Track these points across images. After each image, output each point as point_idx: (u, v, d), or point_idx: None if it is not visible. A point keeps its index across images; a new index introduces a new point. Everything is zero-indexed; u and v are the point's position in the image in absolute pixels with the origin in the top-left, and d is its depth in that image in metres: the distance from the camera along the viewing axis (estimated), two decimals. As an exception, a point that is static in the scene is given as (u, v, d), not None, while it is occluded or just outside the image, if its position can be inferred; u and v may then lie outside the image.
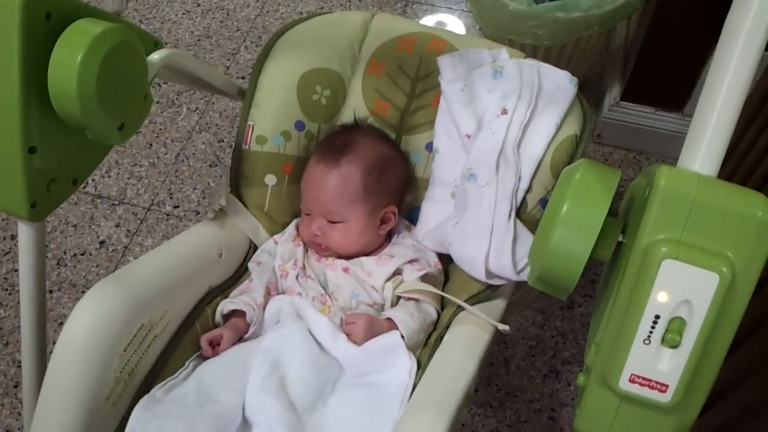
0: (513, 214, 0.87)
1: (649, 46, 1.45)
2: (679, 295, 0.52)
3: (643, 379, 0.54)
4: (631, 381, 0.55)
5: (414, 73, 1.00)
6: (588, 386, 0.58)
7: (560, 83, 0.90)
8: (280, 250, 0.97)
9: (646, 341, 0.53)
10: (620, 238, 0.59)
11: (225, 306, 0.90)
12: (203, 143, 1.69)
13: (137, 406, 0.77)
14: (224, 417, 0.77)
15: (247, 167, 0.98)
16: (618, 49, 1.68)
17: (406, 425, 0.73)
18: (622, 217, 0.62)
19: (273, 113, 0.97)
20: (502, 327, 0.83)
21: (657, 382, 0.54)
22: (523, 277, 0.85)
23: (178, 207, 1.58)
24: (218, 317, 0.91)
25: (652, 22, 1.42)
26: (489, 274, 0.86)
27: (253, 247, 1.00)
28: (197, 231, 0.92)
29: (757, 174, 1.06)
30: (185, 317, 0.88)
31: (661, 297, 0.52)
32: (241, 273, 0.98)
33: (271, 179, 0.99)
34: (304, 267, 0.96)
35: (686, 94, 1.51)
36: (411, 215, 1.04)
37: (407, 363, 0.84)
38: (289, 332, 0.85)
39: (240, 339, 0.89)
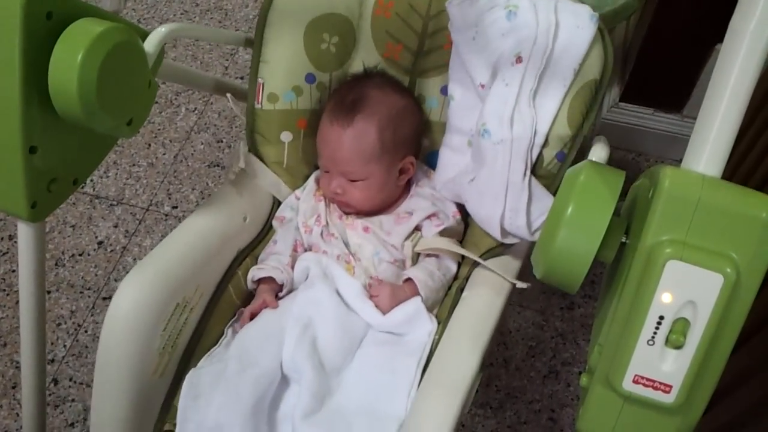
0: (528, 172, 0.85)
1: (649, 47, 1.45)
2: (684, 296, 0.52)
3: (647, 379, 0.54)
4: (635, 382, 0.54)
5: (425, 10, 0.95)
6: (591, 387, 0.58)
7: (580, 20, 0.82)
8: (302, 206, 0.99)
9: (650, 342, 0.53)
10: (623, 239, 0.59)
11: (255, 274, 0.92)
12: (202, 143, 1.68)
13: (185, 382, 0.82)
14: (265, 378, 0.81)
15: (262, 126, 0.97)
16: (617, 50, 1.68)
17: (422, 405, 0.76)
18: (625, 217, 0.62)
19: (282, 69, 0.95)
20: (520, 284, 0.85)
21: (661, 383, 0.54)
22: (537, 236, 0.83)
23: (176, 207, 1.57)
24: (250, 284, 0.93)
25: (652, 24, 1.42)
26: (504, 233, 0.87)
27: (276, 203, 1.01)
28: (220, 200, 0.93)
29: (757, 175, 1.06)
30: (218, 284, 0.91)
31: (665, 298, 0.52)
32: (267, 230, 1.00)
33: (286, 136, 0.98)
34: (327, 224, 0.97)
35: (685, 95, 1.51)
36: (429, 159, 1.03)
37: (428, 326, 0.87)
38: (318, 293, 0.89)
39: (275, 297, 0.93)
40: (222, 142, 1.69)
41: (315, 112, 0.99)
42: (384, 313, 0.88)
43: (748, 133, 1.13)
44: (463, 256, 0.95)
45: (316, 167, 1.02)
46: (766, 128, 1.07)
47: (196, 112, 1.74)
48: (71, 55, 0.64)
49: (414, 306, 0.88)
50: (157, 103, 1.75)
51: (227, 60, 1.84)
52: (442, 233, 0.95)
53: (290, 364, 0.83)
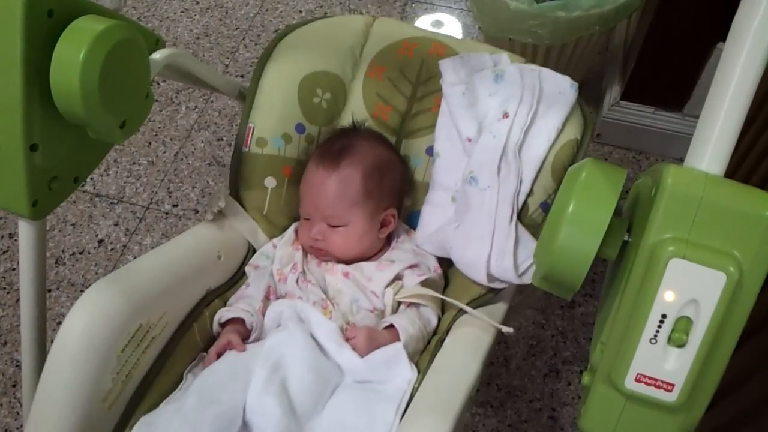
0: (515, 217, 0.87)
1: (649, 45, 1.45)
2: (686, 294, 0.52)
3: (649, 378, 0.54)
4: (637, 380, 0.54)
5: (415, 77, 1.00)
6: (593, 385, 0.58)
7: (561, 87, 0.91)
8: (278, 254, 0.97)
9: (653, 340, 0.53)
10: (625, 237, 0.59)
11: (223, 315, 0.89)
12: (202, 142, 1.68)
13: (138, 423, 0.77)
14: (225, 417, 0.76)
15: (247, 169, 0.97)
16: (618, 49, 1.68)
17: (410, 428, 0.73)
18: (627, 215, 0.62)
19: (274, 115, 0.97)
20: (506, 329, 0.84)
21: (663, 382, 0.54)
22: (525, 280, 0.85)
23: (176, 206, 1.57)
24: (216, 326, 0.89)
25: (653, 22, 1.42)
26: (490, 277, 0.86)
27: (251, 250, 1.00)
28: (196, 233, 0.92)
29: (758, 174, 1.06)
30: (183, 319, 0.87)
31: (668, 296, 0.52)
32: (239, 276, 0.97)
33: (270, 182, 0.99)
34: (304, 271, 0.95)
35: (686, 93, 1.51)
36: (410, 220, 1.04)
37: (408, 373, 0.83)
38: (291, 335, 0.85)
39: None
40: (222, 140, 1.69)
41: (301, 162, 1.00)
42: (361, 356, 0.84)
43: (749, 131, 1.13)
44: (443, 311, 0.93)
45: (296, 220, 1.02)
46: (766, 128, 1.07)
47: (197, 110, 1.74)
48: (73, 53, 0.64)
49: (394, 350, 0.84)
50: (157, 101, 1.75)
51: (227, 58, 1.84)
52: (424, 284, 0.92)
53: (256, 407, 0.77)
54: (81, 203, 1.57)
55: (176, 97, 1.76)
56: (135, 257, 1.47)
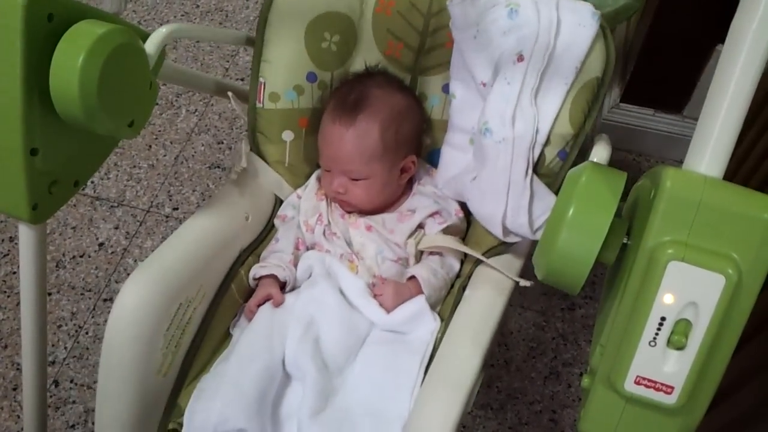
0: (530, 171, 0.85)
1: (649, 48, 1.46)
2: (685, 296, 0.52)
3: (649, 380, 0.54)
4: (637, 383, 0.54)
5: (426, 8, 0.95)
6: (593, 388, 0.58)
7: (581, 19, 0.81)
8: (303, 206, 0.99)
9: (652, 343, 0.53)
10: (625, 240, 0.59)
11: (257, 272, 0.92)
12: (202, 145, 1.68)
13: (195, 390, 0.83)
14: (267, 373, 0.81)
15: (263, 125, 0.97)
16: (618, 51, 1.68)
17: (447, 350, 0.79)
18: (627, 218, 0.62)
19: (283, 68, 0.95)
20: (524, 282, 0.85)
21: (663, 384, 0.54)
22: (539, 235, 0.83)
23: (177, 209, 1.57)
24: (252, 282, 0.93)
25: (652, 24, 1.42)
26: (506, 231, 0.87)
27: (278, 202, 1.01)
28: (222, 199, 0.93)
29: (758, 176, 1.06)
30: (220, 283, 0.90)
31: (667, 299, 0.52)
32: (269, 229, 1.00)
33: (288, 135, 0.98)
34: (329, 223, 0.97)
35: (686, 96, 1.51)
36: (431, 157, 1.03)
37: (431, 325, 0.87)
38: (321, 292, 0.89)
39: None
40: (222, 143, 1.69)
41: (316, 111, 0.99)
42: (388, 311, 0.88)
43: (749, 133, 1.13)
44: (465, 254, 0.95)
45: (318, 166, 1.02)
46: (766, 131, 1.07)
47: (197, 113, 1.74)
48: (72, 57, 0.64)
49: (417, 304, 0.88)
50: (157, 104, 1.75)
51: (227, 61, 1.84)
52: (445, 231, 0.95)
53: (293, 362, 0.83)
54: (81, 206, 1.57)
55: (176, 100, 1.77)
56: (135, 261, 1.48)
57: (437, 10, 0.94)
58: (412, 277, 0.91)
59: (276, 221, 1.00)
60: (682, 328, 0.52)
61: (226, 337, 0.91)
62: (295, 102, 0.97)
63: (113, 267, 1.48)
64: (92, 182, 1.61)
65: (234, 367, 0.82)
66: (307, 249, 0.97)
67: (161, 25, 2.00)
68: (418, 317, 0.88)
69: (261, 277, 0.93)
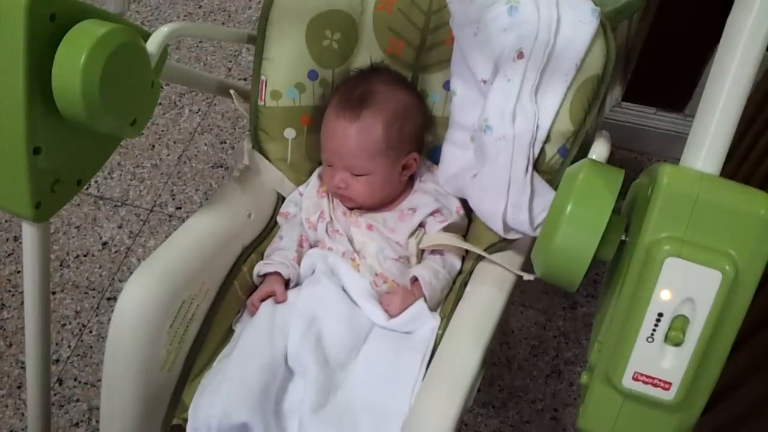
0: (530, 168, 0.85)
1: (651, 46, 1.45)
2: (682, 293, 0.52)
3: (647, 377, 0.54)
4: (635, 379, 0.55)
5: (426, 6, 0.95)
6: (591, 384, 0.58)
7: (581, 16, 0.81)
8: (305, 203, 0.99)
9: (650, 339, 0.53)
10: (623, 237, 0.59)
11: (261, 269, 0.93)
12: (205, 145, 1.69)
13: (199, 386, 0.84)
14: (269, 368, 0.82)
15: (265, 123, 0.98)
16: (619, 50, 1.68)
17: (448, 348, 0.79)
18: (625, 215, 0.62)
19: (284, 66, 0.95)
20: (527, 276, 0.85)
21: (660, 380, 0.54)
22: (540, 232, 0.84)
23: (180, 208, 1.58)
24: (256, 279, 0.94)
25: (654, 23, 1.42)
26: (506, 228, 0.87)
27: (281, 199, 1.02)
28: (224, 197, 0.94)
29: (758, 175, 1.06)
30: (223, 280, 0.91)
31: (664, 295, 0.52)
32: (272, 226, 1.00)
33: (290, 132, 0.99)
34: (331, 219, 0.98)
35: (687, 94, 1.51)
36: (432, 154, 1.04)
37: (431, 322, 0.88)
38: (324, 290, 0.90)
39: None
40: (225, 143, 1.69)
41: (318, 108, 0.99)
42: (393, 315, 0.89)
43: (748, 134, 1.13)
44: (467, 251, 0.95)
45: (320, 163, 1.03)
46: (766, 130, 1.07)
47: (200, 113, 1.75)
48: (75, 57, 0.64)
49: (417, 308, 0.89)
50: (160, 104, 1.76)
51: (230, 62, 1.85)
52: (446, 229, 0.95)
53: (295, 358, 0.84)
54: (85, 206, 1.58)
55: (179, 100, 1.77)
56: (139, 260, 1.48)
57: (438, 8, 0.95)
58: (415, 279, 0.92)
59: (279, 218, 1.00)
60: (680, 324, 0.52)
61: (229, 333, 0.92)
62: (297, 100, 0.98)
63: (117, 266, 1.49)
64: (96, 182, 1.62)
65: (237, 363, 0.83)
66: (311, 246, 0.98)
67: (164, 25, 2.00)
68: (417, 319, 0.89)
69: (265, 274, 0.93)
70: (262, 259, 0.96)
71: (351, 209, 0.99)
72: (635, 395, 0.55)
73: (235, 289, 0.92)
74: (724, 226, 0.51)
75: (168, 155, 1.67)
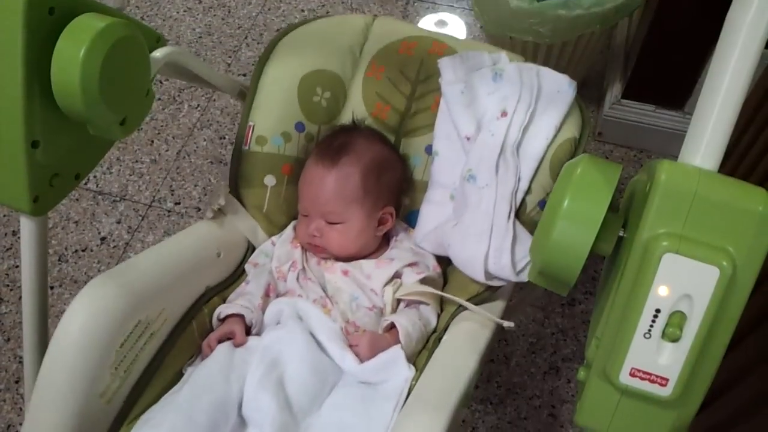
0: (512, 214, 0.87)
1: (650, 44, 1.45)
2: (680, 289, 0.52)
3: (644, 373, 0.54)
4: (632, 375, 0.55)
5: (414, 76, 1.01)
6: (588, 380, 0.58)
7: (560, 86, 0.91)
8: (277, 252, 0.98)
9: (647, 335, 0.53)
10: (621, 233, 0.59)
11: (223, 310, 0.89)
12: (204, 140, 1.69)
13: (138, 421, 0.78)
14: (221, 407, 0.76)
15: (247, 168, 0.98)
16: (619, 47, 1.68)
17: (405, 424, 0.73)
18: (623, 212, 0.62)
19: (273, 114, 0.98)
20: (506, 324, 0.84)
21: (657, 376, 0.54)
22: (523, 277, 0.85)
23: (179, 204, 1.58)
24: (215, 322, 0.90)
25: (654, 21, 1.42)
26: (488, 275, 0.87)
27: (251, 249, 1.00)
28: (196, 230, 0.93)
29: (757, 172, 1.06)
30: (182, 316, 0.87)
31: (661, 291, 0.52)
32: (239, 274, 0.98)
33: (270, 180, 0.99)
34: (304, 269, 0.95)
35: (687, 92, 1.51)
36: (409, 219, 1.04)
37: (405, 373, 0.83)
38: (290, 332, 0.85)
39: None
40: (224, 138, 1.69)
41: (300, 160, 1.00)
42: (362, 362, 0.84)
43: (748, 132, 1.13)
44: (441, 309, 0.94)
45: (295, 218, 1.02)
46: (766, 127, 1.07)
47: (199, 108, 1.75)
48: (74, 51, 0.64)
49: (393, 353, 0.84)
50: (159, 99, 1.76)
51: (230, 57, 1.84)
52: (423, 282, 0.93)
53: (252, 403, 0.77)
54: (84, 201, 1.58)
55: (179, 95, 1.77)
56: (137, 255, 1.48)
57: (425, 77, 1.00)
58: (392, 326, 0.88)
59: (247, 267, 0.97)
60: (677, 320, 0.53)
61: (179, 376, 0.85)
62: (282, 148, 0.99)
63: (115, 261, 1.49)
64: (95, 176, 1.62)
65: (185, 397, 0.77)
66: (277, 296, 0.94)
67: (164, 20, 2.00)
68: (391, 366, 0.83)
69: (225, 318, 0.89)
70: (224, 303, 0.92)
71: (326, 259, 0.97)
72: (632, 391, 0.55)
73: (192, 329, 0.88)
74: (722, 222, 0.51)
75: (167, 150, 1.67)
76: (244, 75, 1.79)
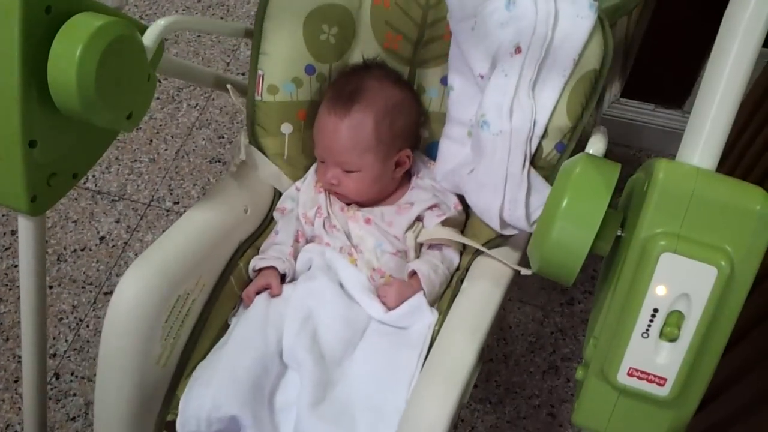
0: (527, 163, 0.85)
1: (650, 42, 1.45)
2: (678, 288, 0.52)
3: (642, 372, 0.54)
4: (630, 375, 0.55)
5: (425, 0, 0.95)
6: (586, 380, 0.58)
7: (579, 9, 0.81)
8: (302, 198, 0.99)
9: (645, 335, 0.53)
10: (619, 232, 0.59)
11: (257, 263, 0.93)
12: (203, 139, 1.69)
13: (191, 378, 0.84)
14: (262, 361, 0.82)
15: (262, 118, 0.97)
16: (618, 46, 1.68)
17: (443, 343, 0.79)
18: (622, 210, 0.62)
19: (281, 60, 0.95)
20: (525, 271, 0.85)
21: (655, 376, 0.54)
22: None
23: (178, 203, 1.58)
24: (251, 272, 0.94)
25: (653, 19, 1.42)
26: (503, 224, 0.87)
27: (277, 195, 1.01)
28: (221, 192, 0.94)
29: (756, 171, 1.06)
30: (219, 276, 0.91)
31: (659, 290, 0.52)
32: (268, 221, 1.00)
33: (287, 128, 0.98)
34: (329, 215, 0.97)
35: (686, 91, 1.51)
36: (430, 150, 1.04)
37: (428, 318, 0.88)
38: (320, 285, 0.89)
39: None
40: (223, 138, 1.69)
41: (315, 103, 0.99)
42: (390, 308, 0.89)
43: (746, 131, 1.12)
44: (464, 247, 0.95)
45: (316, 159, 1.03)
46: (764, 126, 1.07)
47: (198, 108, 1.75)
48: (70, 50, 0.64)
49: (416, 301, 0.89)
50: (158, 99, 1.75)
51: (229, 56, 1.84)
52: (444, 224, 0.95)
53: (290, 354, 0.83)
54: (82, 200, 1.58)
55: (177, 94, 1.77)
56: (136, 254, 1.48)
57: (435, 2, 0.95)
58: (413, 273, 0.92)
59: (275, 214, 1.00)
60: (675, 319, 0.52)
61: (225, 328, 0.91)
62: (294, 94, 0.97)
63: (114, 260, 1.49)
64: (93, 176, 1.62)
65: (228, 355, 0.83)
66: (307, 241, 0.98)
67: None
68: (416, 312, 0.88)
69: (261, 269, 0.93)
70: (258, 254, 0.95)
71: (348, 204, 0.99)
72: (630, 391, 0.55)
73: (231, 284, 0.92)
74: (720, 221, 0.51)
75: (166, 150, 1.67)
76: (243, 74, 1.79)
